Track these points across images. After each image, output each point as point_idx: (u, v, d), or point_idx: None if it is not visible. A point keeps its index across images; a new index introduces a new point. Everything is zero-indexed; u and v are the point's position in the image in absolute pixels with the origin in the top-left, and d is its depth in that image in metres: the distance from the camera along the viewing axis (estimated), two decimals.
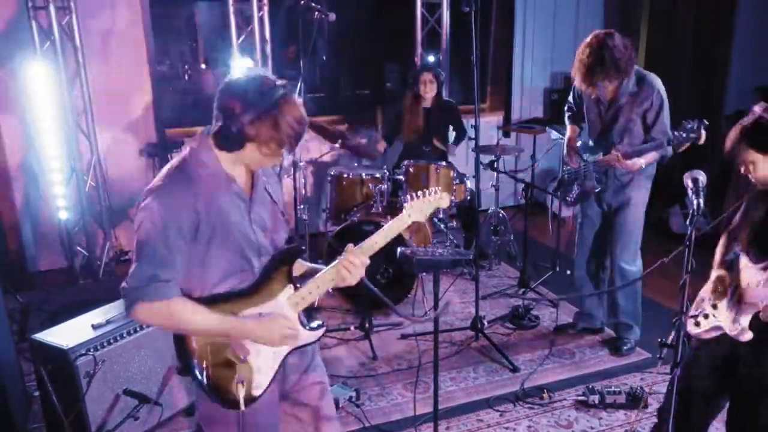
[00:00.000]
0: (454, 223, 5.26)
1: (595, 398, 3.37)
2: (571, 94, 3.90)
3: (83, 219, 5.07)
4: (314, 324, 2.09)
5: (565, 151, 3.90)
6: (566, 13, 6.48)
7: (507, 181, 5.56)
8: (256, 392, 1.97)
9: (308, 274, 2.10)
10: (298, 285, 2.03)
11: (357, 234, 4.18)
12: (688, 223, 1.90)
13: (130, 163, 5.35)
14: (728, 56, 5.85)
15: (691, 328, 2.37)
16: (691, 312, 2.38)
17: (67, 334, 2.92)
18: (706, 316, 2.32)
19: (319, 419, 2.18)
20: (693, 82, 6.06)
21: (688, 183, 1.98)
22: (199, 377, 1.92)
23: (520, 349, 4.01)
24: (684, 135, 3.25)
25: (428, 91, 4.99)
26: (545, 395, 3.47)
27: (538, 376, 3.70)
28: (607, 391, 3.38)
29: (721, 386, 2.32)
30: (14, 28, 4.67)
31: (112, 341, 2.95)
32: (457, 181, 4.86)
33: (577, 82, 3.51)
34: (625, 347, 3.86)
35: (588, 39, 3.41)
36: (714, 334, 2.31)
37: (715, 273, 2.37)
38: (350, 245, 2.06)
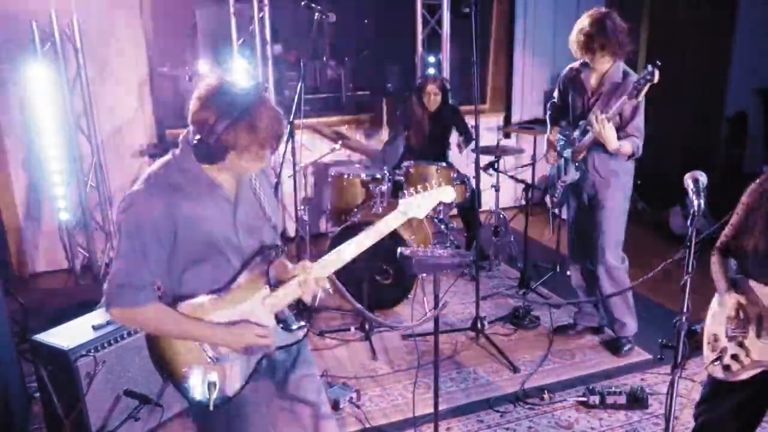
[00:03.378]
0: (455, 224, 5.27)
1: (596, 399, 3.37)
2: (557, 87, 3.89)
3: (84, 220, 5.08)
4: (295, 326, 2.09)
5: (544, 148, 3.93)
6: (567, 14, 6.45)
7: (507, 182, 5.57)
8: (231, 392, 1.99)
9: (287, 275, 2.08)
10: (274, 286, 2.02)
11: (357, 234, 4.18)
12: (689, 223, 1.89)
13: (130, 164, 5.35)
14: (728, 57, 5.86)
15: (718, 374, 2.13)
16: (711, 355, 2.16)
17: (67, 335, 2.93)
18: (735, 357, 2.10)
19: (318, 417, 2.19)
20: (693, 83, 6.06)
21: (689, 183, 1.97)
22: (172, 378, 1.96)
23: (520, 349, 4.01)
24: (640, 81, 3.26)
25: (432, 103, 5.03)
26: (546, 396, 3.47)
27: (538, 376, 3.70)
28: (607, 392, 3.38)
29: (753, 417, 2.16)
30: (15, 30, 4.67)
31: (112, 342, 2.96)
32: (458, 182, 4.86)
33: (576, 52, 3.52)
34: (624, 348, 3.85)
35: (589, 12, 3.46)
36: (752, 372, 2.08)
37: (730, 298, 2.13)
38: (306, 262, 2.06)
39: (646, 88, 3.27)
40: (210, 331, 1.93)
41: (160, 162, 1.93)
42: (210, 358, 1.96)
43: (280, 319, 2.05)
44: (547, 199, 4.03)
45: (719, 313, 2.20)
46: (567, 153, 3.72)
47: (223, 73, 1.86)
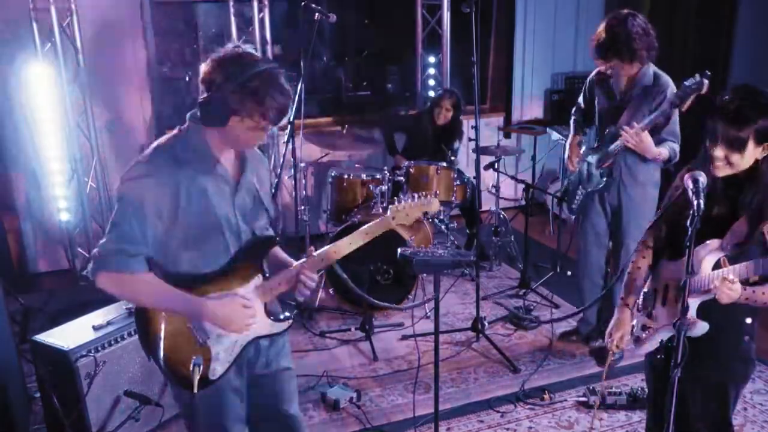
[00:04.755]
0: (455, 224, 5.27)
1: (596, 399, 3.37)
2: (582, 91, 3.79)
3: (84, 220, 5.08)
4: (282, 315, 2.11)
5: (566, 154, 3.80)
6: (567, 14, 6.48)
7: (507, 182, 5.57)
8: (213, 376, 2.01)
9: (281, 266, 2.12)
10: (267, 275, 2.05)
11: None
12: (688, 224, 1.89)
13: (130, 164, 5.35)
14: (729, 57, 5.85)
15: (629, 346, 2.30)
16: (629, 336, 2.32)
17: (67, 335, 2.93)
18: (644, 327, 2.26)
19: (282, 401, 2.22)
20: None
21: (689, 184, 1.97)
22: (158, 356, 1.97)
23: (520, 349, 4.01)
24: (686, 90, 3.08)
25: (443, 118, 5.09)
26: (546, 396, 3.47)
27: (538, 376, 3.70)
28: (608, 392, 3.38)
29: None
30: (15, 30, 4.68)
31: (112, 342, 2.96)
32: (458, 182, 4.86)
33: (593, 57, 3.41)
34: (611, 357, 3.80)
35: (609, 15, 3.34)
36: (656, 339, 2.23)
37: (623, 310, 2.30)
38: (311, 249, 2.10)
39: (691, 98, 3.09)
40: (199, 306, 1.92)
41: (168, 135, 1.95)
42: (198, 340, 1.98)
43: (268, 309, 2.07)
44: (555, 205, 3.98)
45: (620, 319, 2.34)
46: (591, 159, 3.64)
47: (241, 44, 1.88)
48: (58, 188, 4.92)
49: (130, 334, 3.02)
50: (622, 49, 3.26)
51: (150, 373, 3.08)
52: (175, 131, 1.96)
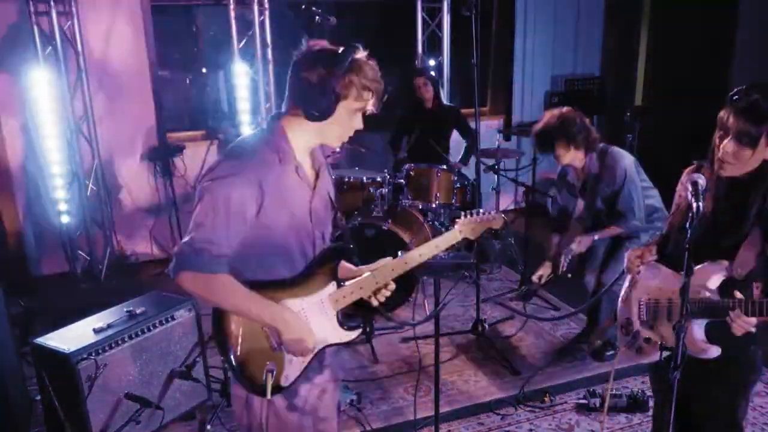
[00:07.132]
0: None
1: (596, 402, 3.37)
2: (555, 188, 3.96)
3: (85, 223, 5.09)
4: (353, 324, 2.11)
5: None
6: (567, 16, 6.49)
7: (508, 184, 5.57)
8: (284, 383, 1.99)
9: (350, 274, 2.11)
10: (341, 283, 2.05)
11: (358, 237, 4.19)
12: (687, 226, 1.89)
13: (131, 167, 5.37)
14: (729, 57, 5.85)
15: (632, 357, 2.27)
16: (624, 339, 2.28)
17: (68, 338, 2.93)
18: (647, 340, 2.22)
19: (320, 420, 2.19)
20: (694, 83, 6.06)
21: (688, 186, 1.96)
22: (231, 359, 1.95)
23: (521, 352, 4.01)
24: None
25: (425, 93, 5.12)
26: (546, 398, 3.47)
27: (539, 379, 3.70)
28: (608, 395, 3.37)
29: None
30: (16, 34, 4.69)
31: (113, 345, 2.95)
32: (458, 185, 4.87)
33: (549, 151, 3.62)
34: (607, 353, 3.82)
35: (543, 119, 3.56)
36: (658, 350, 2.18)
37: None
38: (389, 260, 2.12)
39: None
40: (277, 313, 1.91)
41: (252, 137, 1.95)
42: (273, 344, 1.96)
43: (340, 317, 2.08)
44: (549, 199, 4.02)
45: (630, 300, 2.29)
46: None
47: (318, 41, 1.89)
48: (59, 191, 4.94)
49: (130, 337, 3.02)
50: (561, 138, 3.48)
51: (151, 376, 3.08)
52: (259, 132, 1.96)
